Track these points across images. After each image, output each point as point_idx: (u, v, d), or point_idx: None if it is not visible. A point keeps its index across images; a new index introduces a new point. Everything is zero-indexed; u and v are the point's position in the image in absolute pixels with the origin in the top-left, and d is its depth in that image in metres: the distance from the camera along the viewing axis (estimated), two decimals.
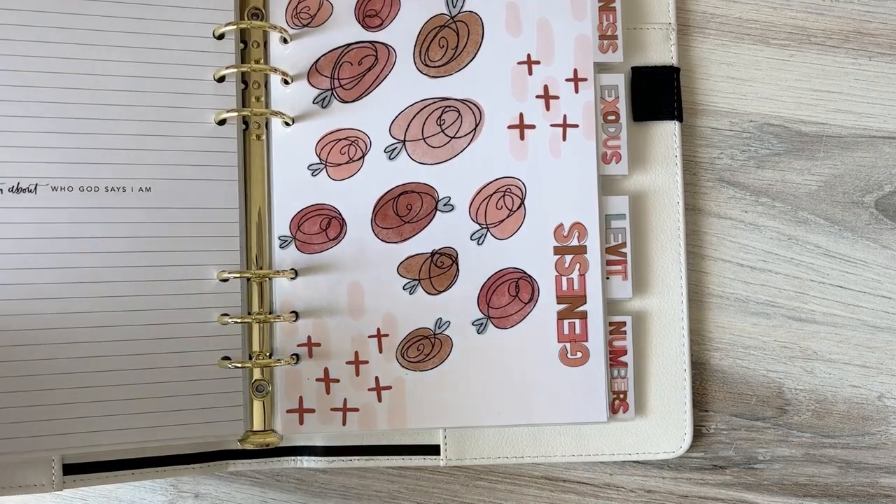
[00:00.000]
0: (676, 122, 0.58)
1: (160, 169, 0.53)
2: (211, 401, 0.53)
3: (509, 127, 0.56)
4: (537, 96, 0.56)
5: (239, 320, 0.54)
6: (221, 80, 0.54)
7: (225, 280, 0.54)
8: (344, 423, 0.55)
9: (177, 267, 0.53)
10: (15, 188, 0.49)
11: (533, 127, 0.56)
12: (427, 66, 0.56)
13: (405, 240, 0.56)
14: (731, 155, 0.60)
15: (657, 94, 0.58)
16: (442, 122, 0.56)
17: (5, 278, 0.49)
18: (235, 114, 0.54)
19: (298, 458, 0.57)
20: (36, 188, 0.49)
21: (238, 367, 0.54)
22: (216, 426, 0.53)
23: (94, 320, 0.51)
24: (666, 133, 0.58)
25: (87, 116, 0.51)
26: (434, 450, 0.57)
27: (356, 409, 0.55)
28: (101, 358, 0.51)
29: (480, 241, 0.56)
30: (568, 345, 0.55)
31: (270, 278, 0.55)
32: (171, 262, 0.53)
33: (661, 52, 0.59)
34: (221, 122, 0.54)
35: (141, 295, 0.52)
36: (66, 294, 0.50)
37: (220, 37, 0.54)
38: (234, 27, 0.54)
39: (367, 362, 0.55)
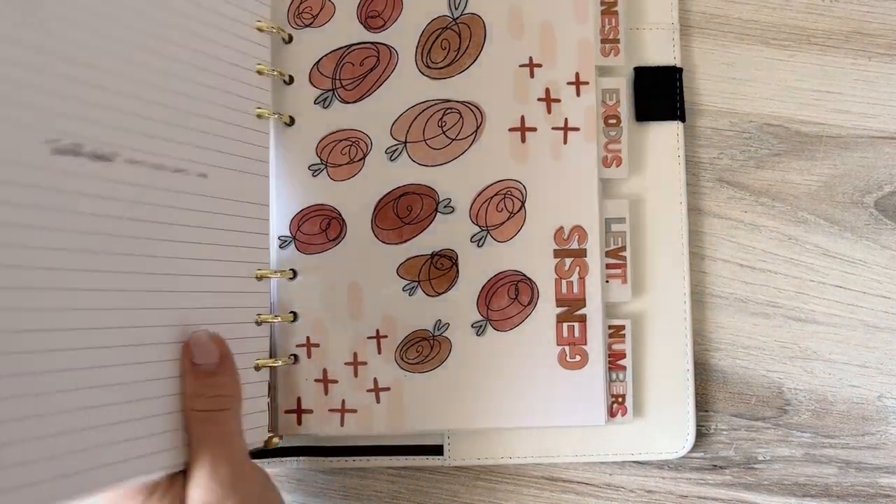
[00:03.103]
0: (679, 123, 0.58)
1: (215, 155, 0.49)
2: (248, 406, 0.50)
3: (510, 129, 0.56)
4: (539, 99, 0.56)
5: (271, 320, 0.54)
6: None
7: (260, 279, 0.53)
8: (342, 424, 0.55)
9: (221, 262, 0.49)
10: (94, 154, 0.40)
11: (534, 130, 0.56)
12: (429, 67, 0.56)
13: (405, 241, 0.56)
14: (730, 155, 0.60)
15: (660, 94, 0.58)
16: (443, 124, 0.56)
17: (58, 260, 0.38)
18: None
19: (301, 458, 0.57)
20: (114, 157, 0.41)
21: (271, 367, 0.54)
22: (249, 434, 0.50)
23: (131, 319, 0.42)
24: (669, 134, 0.58)
25: (159, 85, 0.45)
26: (437, 450, 0.57)
27: (354, 411, 0.55)
28: (135, 366, 0.43)
29: (480, 244, 0.56)
30: (567, 348, 0.55)
31: (269, 278, 0.55)
32: (218, 257, 0.49)
33: (663, 53, 0.59)
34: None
35: (185, 291, 0.46)
36: (104, 285, 0.41)
37: None
38: None
39: (365, 363, 0.55)
